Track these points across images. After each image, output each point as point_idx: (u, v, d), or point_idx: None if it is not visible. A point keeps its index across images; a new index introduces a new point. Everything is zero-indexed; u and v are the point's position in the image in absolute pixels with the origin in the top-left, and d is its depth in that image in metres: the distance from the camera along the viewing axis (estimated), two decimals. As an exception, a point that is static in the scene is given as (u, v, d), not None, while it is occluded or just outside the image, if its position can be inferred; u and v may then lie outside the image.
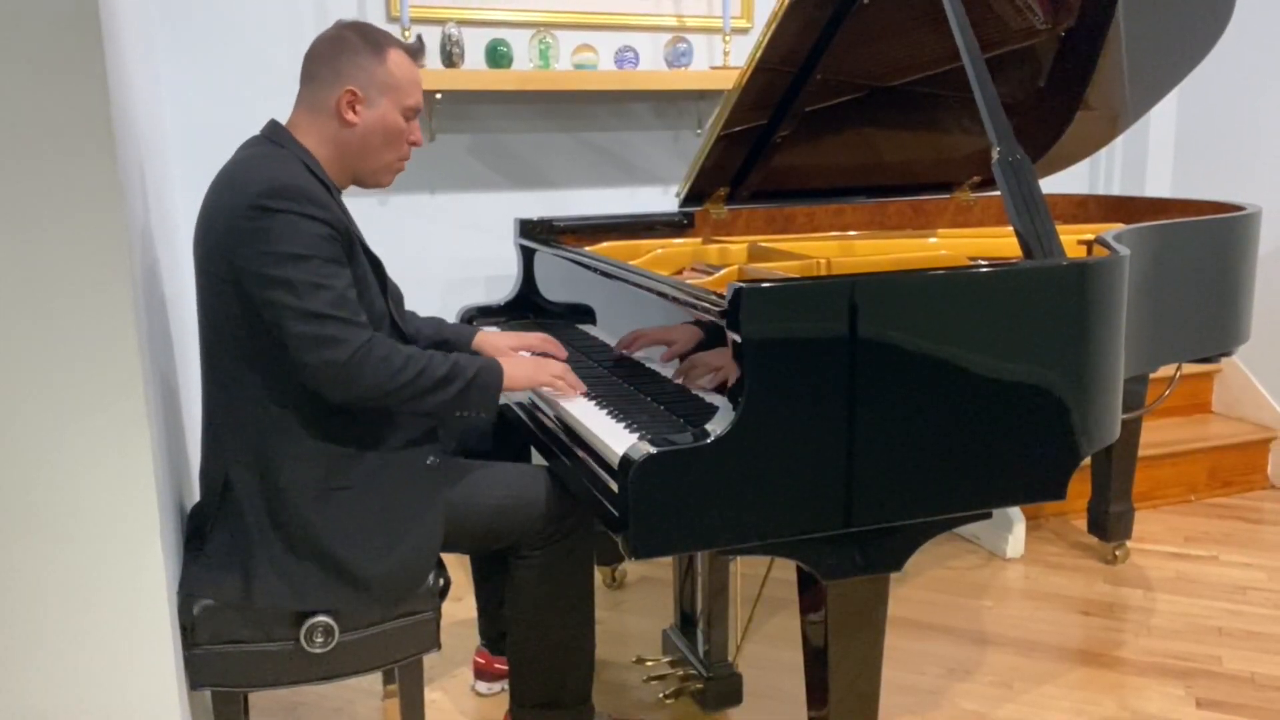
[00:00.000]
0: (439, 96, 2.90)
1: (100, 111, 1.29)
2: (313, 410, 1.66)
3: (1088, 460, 1.90)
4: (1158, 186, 3.79)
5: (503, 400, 2.17)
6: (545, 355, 2.01)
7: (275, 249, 1.57)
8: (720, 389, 1.61)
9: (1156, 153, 3.78)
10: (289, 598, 1.65)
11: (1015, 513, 3.01)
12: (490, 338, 2.07)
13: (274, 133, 1.74)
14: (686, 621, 2.30)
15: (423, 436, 1.78)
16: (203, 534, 1.72)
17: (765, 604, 2.56)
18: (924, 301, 1.55)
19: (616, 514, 1.50)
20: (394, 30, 2.86)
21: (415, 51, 1.82)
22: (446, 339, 2.05)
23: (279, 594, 1.64)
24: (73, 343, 1.32)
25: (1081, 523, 3.06)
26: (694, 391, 1.72)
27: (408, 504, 1.72)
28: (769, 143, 2.43)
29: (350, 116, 1.73)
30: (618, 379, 1.98)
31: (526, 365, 1.87)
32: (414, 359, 1.66)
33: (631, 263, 2.13)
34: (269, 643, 1.67)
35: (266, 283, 1.57)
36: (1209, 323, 2.42)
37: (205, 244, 1.65)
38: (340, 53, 1.73)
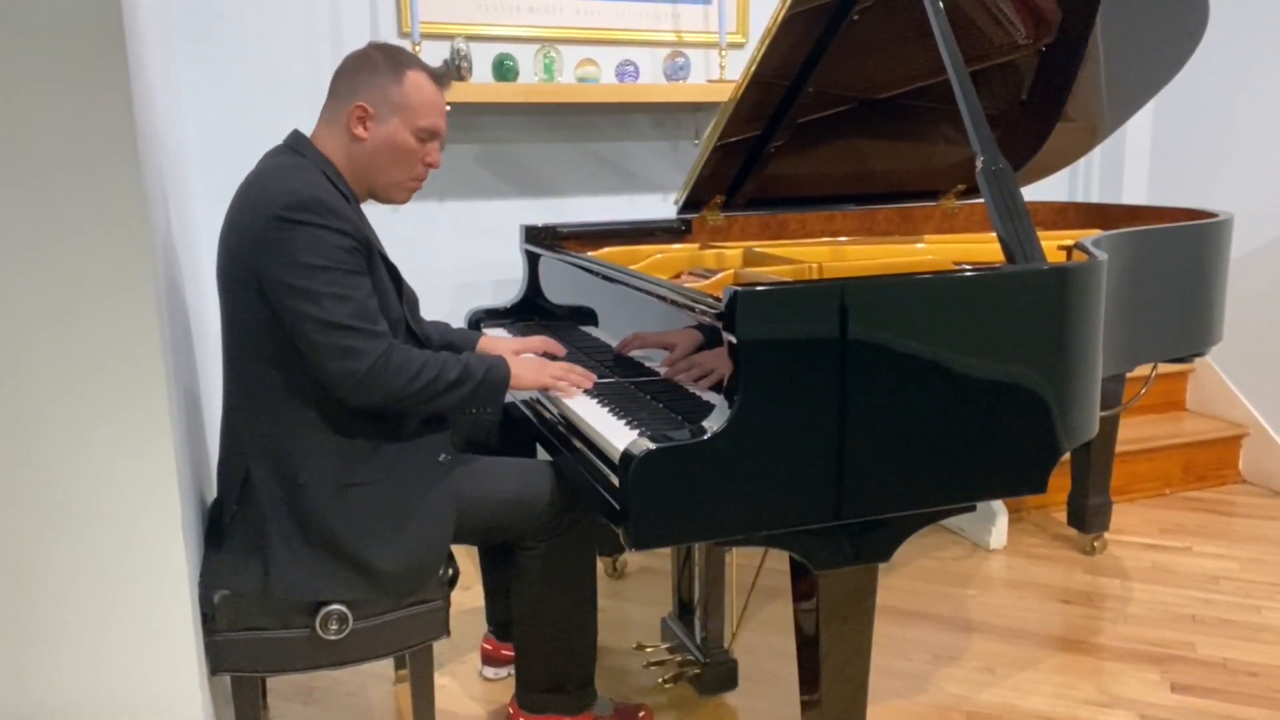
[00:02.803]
0: (447, 108, 2.89)
1: (124, 125, 1.29)
2: (328, 409, 1.65)
3: (1067, 455, 1.90)
4: (1134, 194, 3.79)
5: (508, 398, 2.18)
6: (546, 355, 2.01)
7: (298, 260, 1.57)
8: (717, 388, 1.61)
9: (1133, 162, 3.78)
10: (306, 589, 1.65)
11: (998, 505, 3.00)
12: (493, 342, 2.06)
13: (296, 143, 1.74)
14: (684, 610, 2.30)
15: (434, 434, 1.78)
16: (222, 527, 1.72)
17: (760, 593, 2.57)
18: (911, 304, 1.55)
19: (617, 507, 1.50)
20: (404, 44, 2.86)
21: (440, 76, 1.78)
22: (451, 343, 2.04)
23: (297, 585, 1.65)
24: (99, 345, 1.33)
25: (1061, 515, 3.06)
26: (691, 390, 1.72)
27: (420, 500, 1.72)
28: (763, 152, 2.44)
29: (359, 131, 1.71)
30: (619, 378, 1.98)
31: (531, 366, 1.87)
32: (429, 365, 1.66)
33: (631, 267, 2.13)
34: (286, 630, 1.67)
35: (290, 292, 1.57)
36: (1183, 324, 2.42)
37: (229, 249, 1.65)
38: (360, 70, 1.72)
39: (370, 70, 1.72)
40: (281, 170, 1.67)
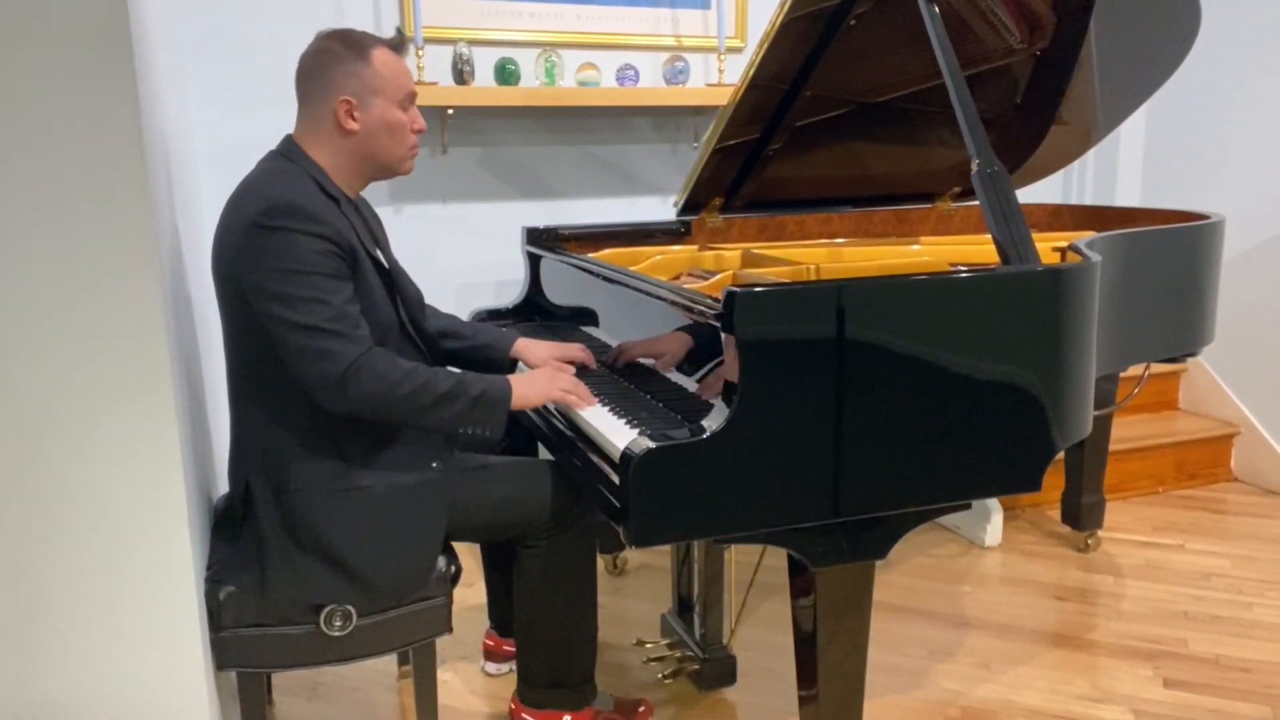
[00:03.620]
0: (450, 112, 2.90)
1: (131, 127, 1.29)
2: (322, 416, 1.63)
3: (1062, 454, 1.90)
4: (1127, 196, 3.79)
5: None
6: (571, 363, 1.95)
7: (274, 265, 1.55)
8: (715, 387, 1.61)
9: (1126, 165, 3.78)
10: (298, 593, 1.65)
11: (993, 503, 3.00)
12: (529, 345, 2.01)
13: (287, 149, 1.71)
14: (684, 606, 2.30)
15: (429, 442, 1.76)
16: (230, 529, 1.72)
17: (758, 589, 2.56)
18: (907, 305, 1.55)
19: (618, 505, 1.50)
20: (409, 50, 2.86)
21: (397, 45, 1.74)
22: (486, 344, 2.01)
23: (288, 589, 1.65)
24: (105, 340, 1.33)
25: (1056, 513, 3.06)
26: (690, 390, 1.72)
27: (412, 507, 1.70)
28: (761, 155, 2.44)
29: (350, 125, 1.68)
30: (619, 378, 1.98)
31: (538, 383, 1.78)
32: (414, 374, 1.61)
33: (632, 268, 2.13)
34: (290, 626, 1.67)
35: (267, 298, 1.55)
36: (1175, 325, 2.42)
37: (219, 260, 1.65)
38: (327, 65, 1.68)
39: (337, 62, 1.67)
40: (264, 177, 1.65)
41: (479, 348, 2.00)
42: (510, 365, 2.01)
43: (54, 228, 1.29)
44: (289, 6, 2.78)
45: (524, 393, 1.74)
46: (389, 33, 2.86)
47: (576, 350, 2.00)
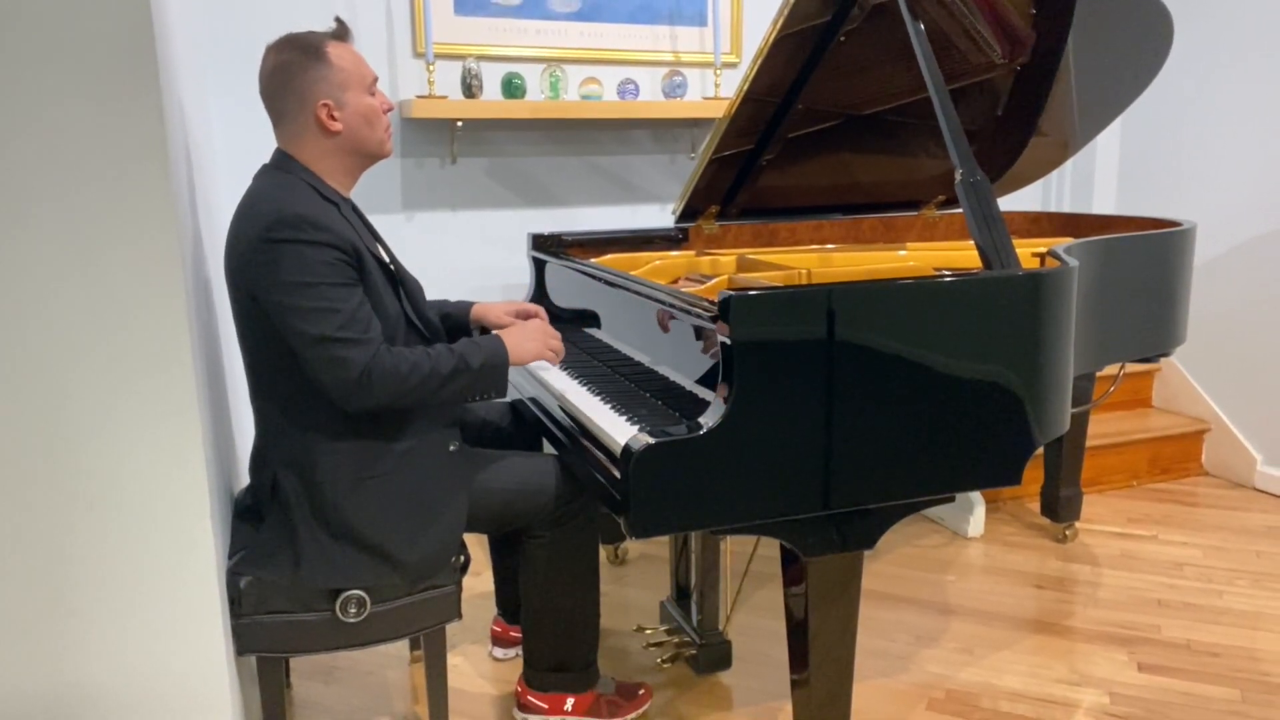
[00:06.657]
0: (459, 124, 2.90)
1: (156, 130, 1.29)
2: (340, 411, 1.64)
3: (1041, 449, 1.90)
4: (1104, 204, 3.78)
5: (514, 395, 2.18)
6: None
7: (285, 279, 1.55)
8: (712, 386, 1.61)
9: (1102, 174, 3.78)
10: (333, 578, 1.65)
11: (976, 496, 3.00)
12: (485, 308, 2.05)
13: (281, 161, 1.70)
14: (682, 594, 2.30)
15: (443, 426, 1.77)
16: (254, 523, 1.72)
17: (752, 578, 2.56)
18: (894, 308, 1.55)
19: (619, 497, 1.50)
20: (419, 66, 2.87)
21: (342, 35, 1.71)
22: (448, 314, 2.04)
23: (324, 575, 1.65)
24: (127, 327, 1.31)
25: (1035, 505, 3.06)
26: (688, 388, 1.72)
27: (433, 489, 1.71)
28: (755, 165, 2.43)
29: (334, 126, 1.66)
30: (620, 377, 1.98)
31: (531, 341, 1.81)
32: (419, 364, 1.63)
33: (632, 273, 2.12)
34: (308, 613, 1.67)
35: (282, 310, 1.56)
36: (1149, 326, 2.42)
37: (230, 273, 1.64)
38: (291, 77, 1.65)
39: (300, 71, 1.65)
40: (268, 190, 1.64)
41: (443, 318, 2.02)
42: (471, 330, 2.05)
43: (80, 229, 1.28)
44: (306, 15, 2.77)
45: (520, 353, 1.78)
46: (400, 50, 2.88)
47: (531, 308, 2.04)
